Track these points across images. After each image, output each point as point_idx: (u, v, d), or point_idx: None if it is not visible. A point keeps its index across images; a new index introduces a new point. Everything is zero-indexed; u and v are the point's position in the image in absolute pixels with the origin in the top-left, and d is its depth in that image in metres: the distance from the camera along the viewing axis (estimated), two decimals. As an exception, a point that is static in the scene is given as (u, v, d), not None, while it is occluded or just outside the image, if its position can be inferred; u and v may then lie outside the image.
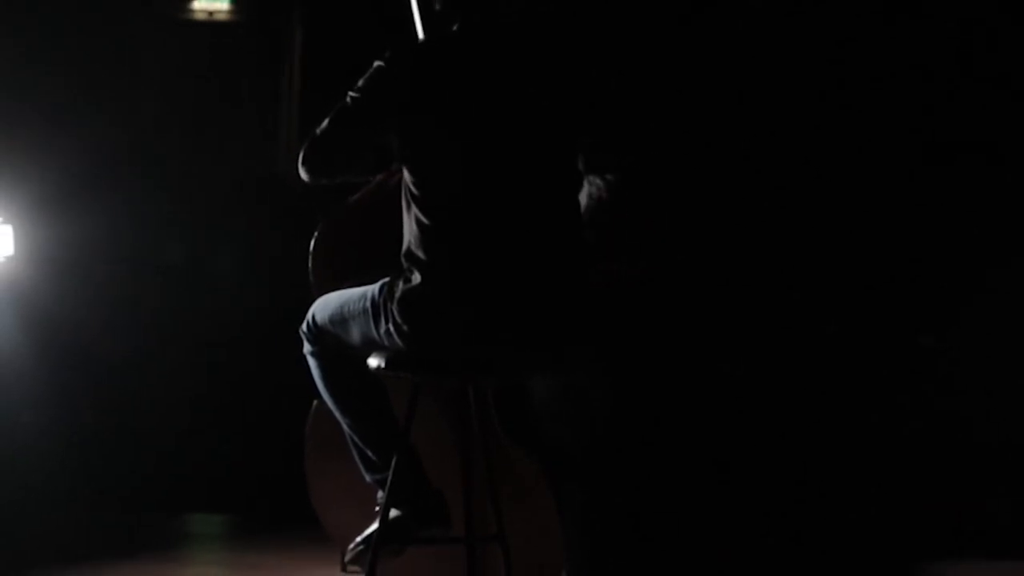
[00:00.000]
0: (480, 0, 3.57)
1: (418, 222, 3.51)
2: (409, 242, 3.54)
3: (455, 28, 3.60)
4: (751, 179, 5.71)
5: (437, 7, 3.62)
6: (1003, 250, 5.75)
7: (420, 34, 4.02)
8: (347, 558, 3.79)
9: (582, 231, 3.63)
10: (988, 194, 5.73)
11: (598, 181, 3.64)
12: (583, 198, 3.68)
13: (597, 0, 5.55)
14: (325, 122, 3.55)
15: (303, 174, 3.59)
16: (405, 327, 3.51)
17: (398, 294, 3.52)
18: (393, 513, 3.63)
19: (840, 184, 5.78)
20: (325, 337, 3.71)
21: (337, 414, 3.75)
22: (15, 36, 6.16)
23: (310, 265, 4.01)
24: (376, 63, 3.54)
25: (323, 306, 3.74)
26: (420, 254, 3.50)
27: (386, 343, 3.56)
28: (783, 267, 5.75)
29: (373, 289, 3.60)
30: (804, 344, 5.77)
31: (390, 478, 3.60)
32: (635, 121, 3.59)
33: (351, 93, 3.53)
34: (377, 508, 3.67)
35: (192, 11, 6.54)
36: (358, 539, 3.72)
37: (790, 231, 5.75)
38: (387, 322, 3.53)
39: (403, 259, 3.55)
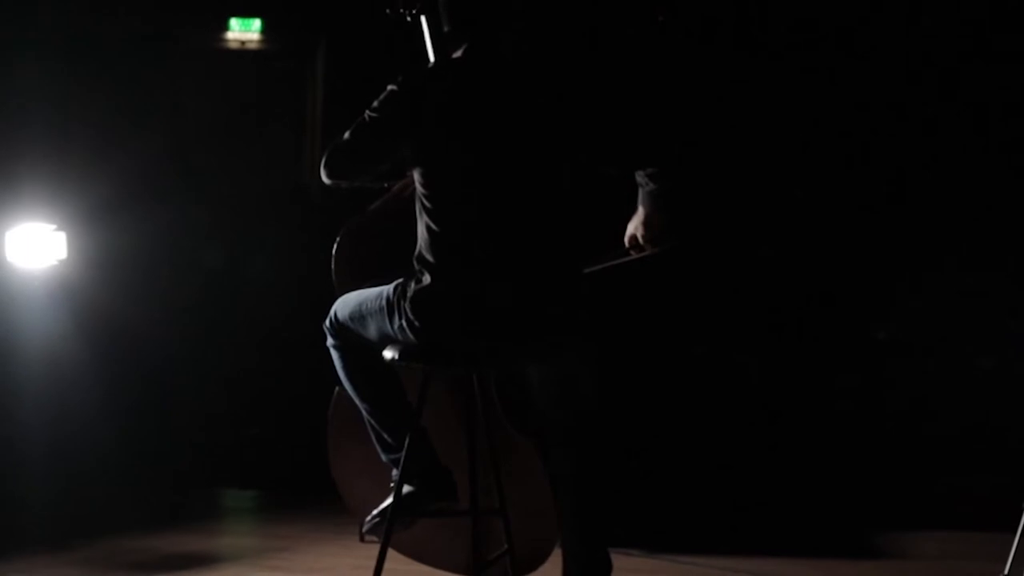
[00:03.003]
0: (484, 26, 3.56)
1: (428, 228, 3.50)
2: (420, 246, 3.53)
3: (461, 52, 3.58)
4: (747, 185, 5.71)
5: (446, 29, 3.61)
6: (953, 256, 5.75)
7: (431, 57, 4.00)
8: (365, 529, 3.77)
9: (577, 235, 3.61)
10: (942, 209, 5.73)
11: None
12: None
13: (592, 23, 5.54)
14: (346, 134, 3.55)
15: (324, 177, 3.59)
16: (416, 323, 3.49)
17: (410, 293, 3.51)
18: (406, 489, 3.61)
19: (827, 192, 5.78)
20: (346, 332, 3.69)
21: (356, 400, 3.74)
22: (68, 64, 6.15)
23: (332, 267, 3.99)
24: (389, 86, 3.53)
25: (344, 304, 3.72)
26: (430, 257, 3.49)
27: (400, 337, 3.54)
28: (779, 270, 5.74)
29: (388, 289, 3.58)
30: (792, 341, 5.78)
31: (403, 457, 3.59)
32: (633, 130, 3.56)
33: (368, 111, 3.52)
34: (392, 484, 3.65)
35: (226, 41, 6.54)
36: (374, 512, 3.71)
37: (784, 236, 5.74)
38: (400, 318, 3.52)
39: (415, 262, 3.54)
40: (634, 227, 3.67)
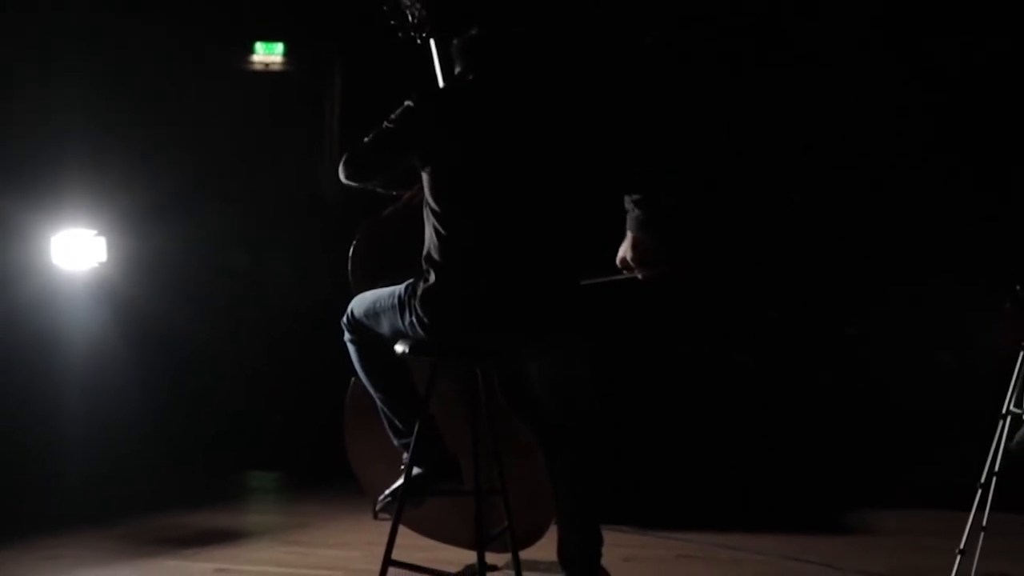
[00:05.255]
0: (492, 58, 3.57)
1: (436, 231, 3.50)
2: (428, 249, 3.53)
3: (470, 77, 3.60)
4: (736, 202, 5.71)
5: (457, 68, 3.62)
6: (912, 260, 5.75)
7: (439, 76, 4.01)
8: (378, 507, 3.77)
9: (573, 243, 3.62)
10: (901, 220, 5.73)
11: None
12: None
13: (587, 54, 5.54)
14: (365, 139, 3.57)
15: (341, 175, 3.62)
16: (425, 319, 3.49)
17: (420, 292, 3.51)
18: (416, 471, 3.61)
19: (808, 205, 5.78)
20: (361, 328, 3.69)
21: (370, 390, 3.74)
22: (109, 85, 6.16)
23: (349, 268, 3.99)
24: (406, 102, 3.54)
25: (359, 302, 3.72)
26: (437, 258, 3.50)
27: (410, 333, 3.54)
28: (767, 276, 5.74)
29: (400, 288, 3.59)
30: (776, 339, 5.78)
31: (413, 442, 3.59)
32: (621, 155, 3.56)
33: (386, 122, 3.55)
34: (402, 467, 3.65)
35: (251, 62, 6.54)
36: (387, 492, 3.70)
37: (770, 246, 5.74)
38: (411, 315, 3.52)
39: (423, 262, 3.54)
40: (624, 250, 3.64)
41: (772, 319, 5.81)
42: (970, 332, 5.61)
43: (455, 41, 3.63)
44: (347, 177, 3.61)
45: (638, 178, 3.54)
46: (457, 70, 3.65)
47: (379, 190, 3.74)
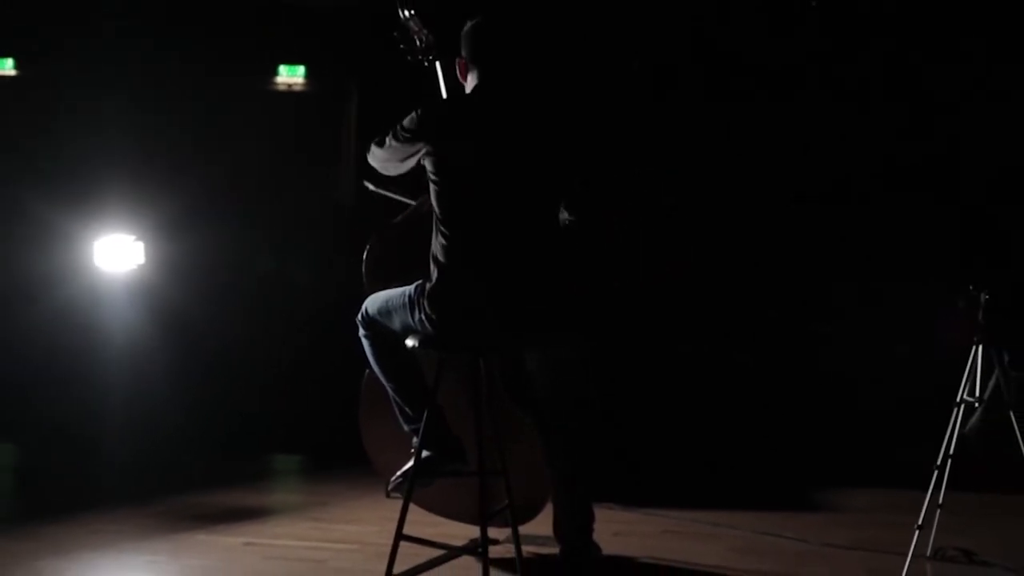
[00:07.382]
0: (494, 74, 3.58)
1: (441, 234, 3.51)
2: (435, 251, 3.54)
3: (471, 89, 3.62)
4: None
5: (463, 52, 3.63)
6: (879, 263, 5.77)
7: (444, 95, 4.03)
8: (390, 487, 3.78)
9: (567, 246, 3.64)
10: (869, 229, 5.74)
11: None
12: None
13: (578, 71, 5.55)
14: (375, 145, 3.61)
15: (368, 157, 3.66)
16: (433, 316, 3.51)
17: (427, 291, 3.52)
18: (424, 454, 3.62)
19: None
20: (375, 324, 3.71)
21: (383, 381, 3.75)
22: (146, 105, 6.18)
23: (363, 270, 4.00)
24: (415, 110, 3.55)
25: (373, 301, 3.74)
26: (442, 259, 3.51)
27: (419, 328, 3.56)
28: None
29: (410, 288, 3.60)
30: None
31: (422, 428, 3.60)
32: (613, 164, 3.57)
33: (398, 126, 3.54)
34: (412, 451, 3.67)
35: (276, 83, 6.56)
36: (398, 473, 3.72)
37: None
38: (420, 312, 3.54)
39: (430, 263, 3.55)
40: None
41: (753, 319, 5.81)
42: (929, 328, 5.63)
43: (466, 25, 3.62)
44: (369, 159, 3.63)
45: (577, 200, 3.57)
46: (463, 52, 3.64)
47: (394, 196, 3.75)
